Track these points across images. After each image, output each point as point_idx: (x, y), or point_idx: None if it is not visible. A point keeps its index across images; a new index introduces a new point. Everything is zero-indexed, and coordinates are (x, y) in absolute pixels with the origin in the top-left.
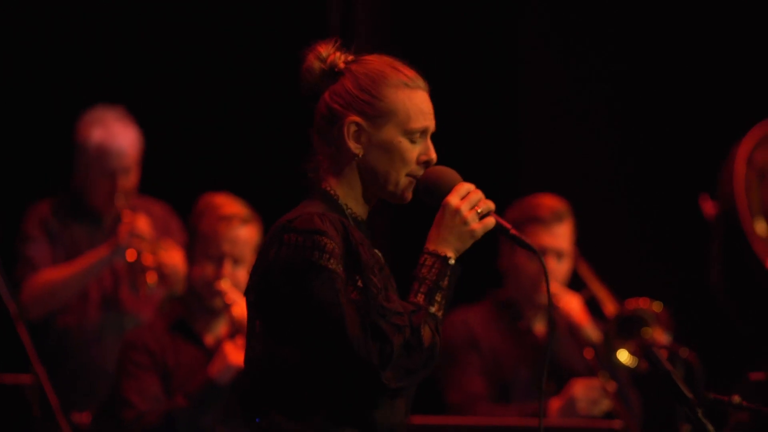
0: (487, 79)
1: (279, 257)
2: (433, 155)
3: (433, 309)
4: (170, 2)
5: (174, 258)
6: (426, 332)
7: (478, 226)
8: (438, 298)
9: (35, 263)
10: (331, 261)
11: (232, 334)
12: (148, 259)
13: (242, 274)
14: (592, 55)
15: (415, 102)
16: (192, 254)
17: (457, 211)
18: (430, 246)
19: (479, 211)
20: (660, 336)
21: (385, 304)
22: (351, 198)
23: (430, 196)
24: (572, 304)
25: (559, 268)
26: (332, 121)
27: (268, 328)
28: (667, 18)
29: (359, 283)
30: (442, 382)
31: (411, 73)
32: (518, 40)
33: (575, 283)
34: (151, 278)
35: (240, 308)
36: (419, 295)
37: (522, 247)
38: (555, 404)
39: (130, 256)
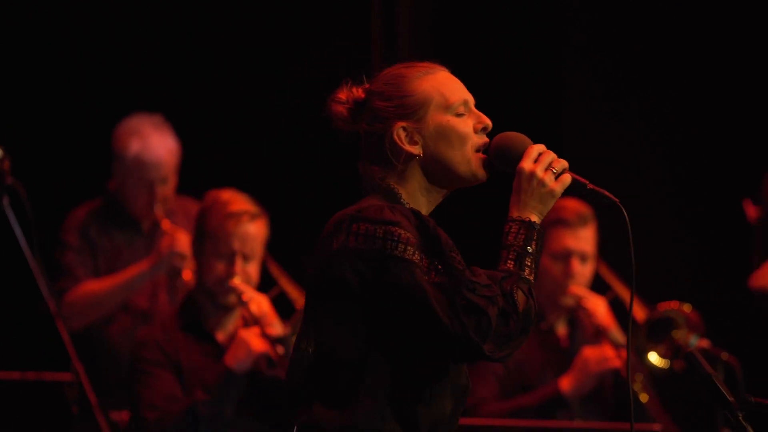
0: (528, 78)
1: (348, 246)
2: (487, 121)
3: (524, 273)
4: (202, 9)
5: None
6: (520, 296)
7: (556, 185)
8: (528, 262)
9: (76, 274)
10: (408, 250)
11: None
12: (188, 276)
13: (253, 270)
14: (634, 53)
15: (442, 81)
16: (200, 251)
17: (532, 175)
18: (514, 213)
19: (555, 170)
20: (690, 338)
21: (472, 278)
22: (413, 199)
23: (504, 165)
24: (598, 307)
25: (583, 271)
26: (381, 140)
27: (332, 318)
28: (714, 18)
29: (440, 267)
30: None
31: (425, 64)
32: (560, 39)
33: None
34: None
35: (257, 304)
36: (508, 261)
37: (603, 201)
38: (566, 378)
39: (172, 273)
